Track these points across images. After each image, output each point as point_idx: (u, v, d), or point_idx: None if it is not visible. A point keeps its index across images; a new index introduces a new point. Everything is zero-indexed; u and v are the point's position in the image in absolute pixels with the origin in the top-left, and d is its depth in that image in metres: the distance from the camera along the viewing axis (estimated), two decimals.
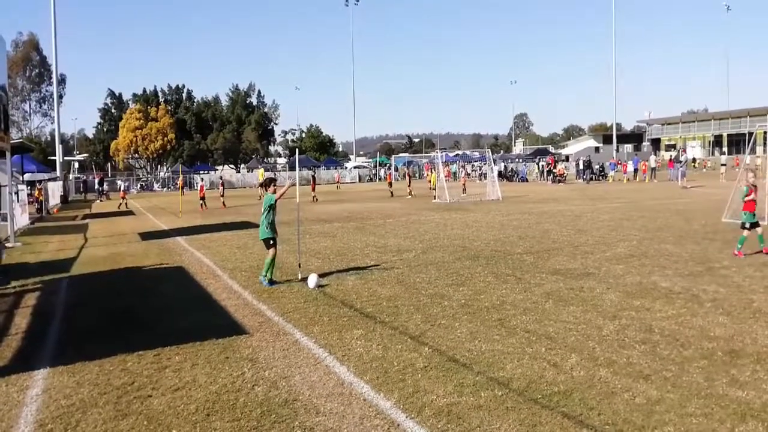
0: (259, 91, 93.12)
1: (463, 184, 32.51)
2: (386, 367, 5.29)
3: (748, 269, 8.95)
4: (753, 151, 59.49)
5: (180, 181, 33.18)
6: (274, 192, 9.40)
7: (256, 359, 5.62)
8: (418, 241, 13.37)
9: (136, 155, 75.00)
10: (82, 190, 50.42)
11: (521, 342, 5.86)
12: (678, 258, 10.14)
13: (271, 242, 9.18)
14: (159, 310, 7.84)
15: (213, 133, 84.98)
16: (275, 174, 57.13)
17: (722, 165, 42.70)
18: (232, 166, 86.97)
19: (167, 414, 4.41)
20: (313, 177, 32.12)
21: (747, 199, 10.13)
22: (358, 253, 11.91)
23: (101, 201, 41.13)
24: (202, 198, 28.17)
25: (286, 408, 4.47)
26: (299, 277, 9.36)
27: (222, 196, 29.72)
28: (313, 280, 8.78)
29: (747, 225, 10.08)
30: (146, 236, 16.81)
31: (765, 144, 42.68)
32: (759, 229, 10.20)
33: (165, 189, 60.86)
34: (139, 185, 61.72)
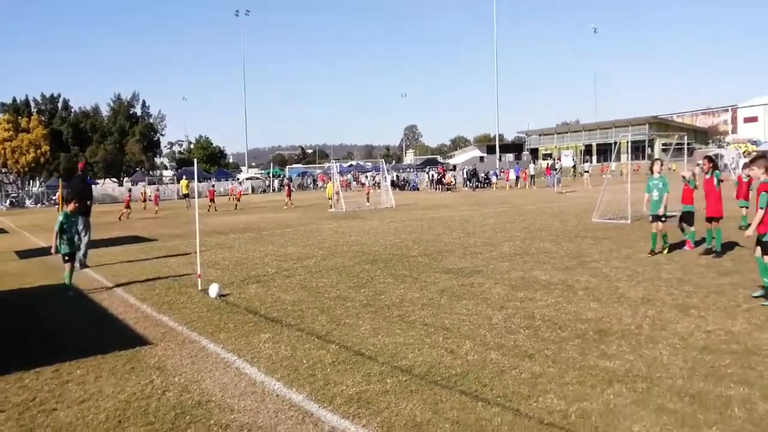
0: (144, 101, 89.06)
1: (367, 194, 33.10)
2: (296, 365, 5.52)
3: (615, 262, 10.07)
4: (618, 158, 65.33)
5: (59, 196, 31.09)
6: (76, 208, 10.15)
7: (163, 367, 5.62)
8: (318, 249, 13.61)
9: (5, 169, 68.98)
10: None
11: (420, 334, 6.31)
12: (555, 254, 11.15)
13: (66, 258, 9.56)
14: (51, 328, 7.49)
15: (93, 144, 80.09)
16: (159, 187, 54.86)
17: (585, 172, 46.65)
18: (114, 179, 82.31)
19: (76, 425, 4.37)
20: (212, 189, 32.27)
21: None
22: (258, 263, 11.94)
23: None
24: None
25: (200, 409, 4.58)
26: (199, 288, 9.28)
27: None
28: (214, 289, 8.76)
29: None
30: (24, 254, 15.70)
31: (628, 152, 47.16)
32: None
33: (39, 205, 56.44)
34: (8, 201, 56.75)
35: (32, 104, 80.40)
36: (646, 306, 7.01)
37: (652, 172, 10.83)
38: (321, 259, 11.97)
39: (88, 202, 12.49)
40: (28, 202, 58.06)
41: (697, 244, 11.15)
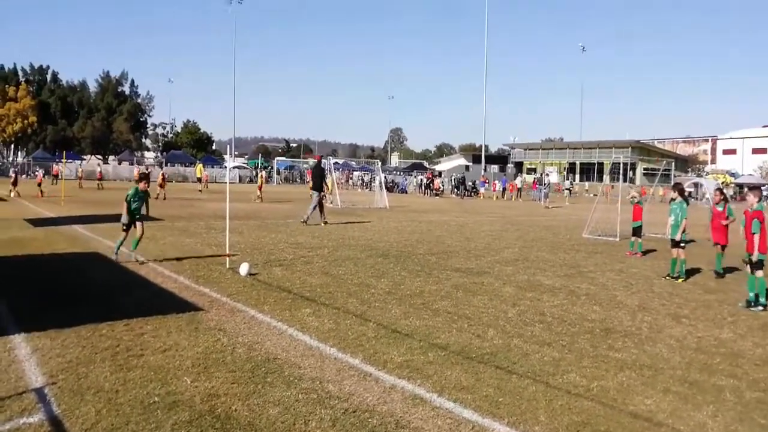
0: (133, 80, 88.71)
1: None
2: (342, 336, 6.25)
3: (609, 273, 10.97)
4: (600, 179, 66.95)
5: (58, 169, 31.34)
6: (146, 186, 10.81)
7: (224, 329, 6.31)
8: (326, 240, 14.31)
9: None
10: None
11: (446, 320, 7.08)
12: (553, 263, 12.03)
13: (124, 227, 10.49)
14: (100, 289, 8.12)
15: (80, 120, 79.51)
16: (147, 168, 54.83)
17: (566, 189, 48.08)
18: (99, 156, 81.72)
19: (169, 367, 5.05)
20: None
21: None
22: (273, 249, 12.61)
23: None
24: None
25: (270, 364, 5.29)
26: (227, 266, 9.93)
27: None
28: (244, 268, 9.43)
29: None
30: (37, 223, 16.12)
31: (610, 173, 48.66)
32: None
33: (24, 176, 55.99)
34: None
35: (20, 73, 79.57)
36: (642, 313, 7.88)
37: (683, 196, 11.05)
38: (333, 250, 12.68)
39: (321, 183, 18.98)
40: (11, 172, 57.49)
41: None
